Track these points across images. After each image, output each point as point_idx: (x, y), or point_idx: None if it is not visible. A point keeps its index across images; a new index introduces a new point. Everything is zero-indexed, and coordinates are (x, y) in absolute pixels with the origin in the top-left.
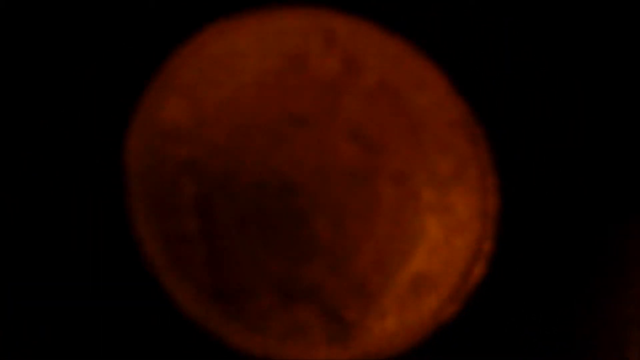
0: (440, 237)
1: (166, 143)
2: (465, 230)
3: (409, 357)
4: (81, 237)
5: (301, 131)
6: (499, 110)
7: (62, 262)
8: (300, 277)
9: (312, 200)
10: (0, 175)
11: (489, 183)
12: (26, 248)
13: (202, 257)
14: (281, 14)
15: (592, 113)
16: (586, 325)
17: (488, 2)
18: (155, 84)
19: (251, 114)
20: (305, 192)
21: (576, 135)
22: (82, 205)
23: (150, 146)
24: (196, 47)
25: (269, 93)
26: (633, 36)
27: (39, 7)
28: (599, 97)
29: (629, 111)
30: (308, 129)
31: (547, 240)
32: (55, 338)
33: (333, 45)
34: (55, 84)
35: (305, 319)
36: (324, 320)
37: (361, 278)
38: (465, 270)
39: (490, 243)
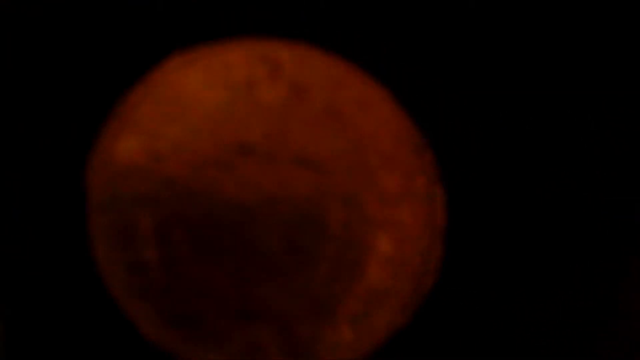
0: (390, 252)
1: (123, 179)
2: (414, 244)
3: None
4: (46, 267)
5: (250, 159)
6: (441, 122)
7: (31, 291)
8: (254, 298)
9: (263, 224)
10: None
11: (436, 195)
12: None
13: (161, 284)
14: (227, 48)
15: (540, 123)
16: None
17: (422, 22)
18: (111, 123)
19: (203, 147)
20: (257, 217)
21: (522, 145)
22: (46, 237)
23: (109, 181)
24: (149, 85)
25: (219, 125)
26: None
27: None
28: (546, 107)
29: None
30: (257, 157)
31: (494, 248)
32: None
33: (278, 73)
34: (15, 120)
35: (261, 337)
36: (279, 337)
37: (314, 295)
38: (415, 282)
39: (438, 254)
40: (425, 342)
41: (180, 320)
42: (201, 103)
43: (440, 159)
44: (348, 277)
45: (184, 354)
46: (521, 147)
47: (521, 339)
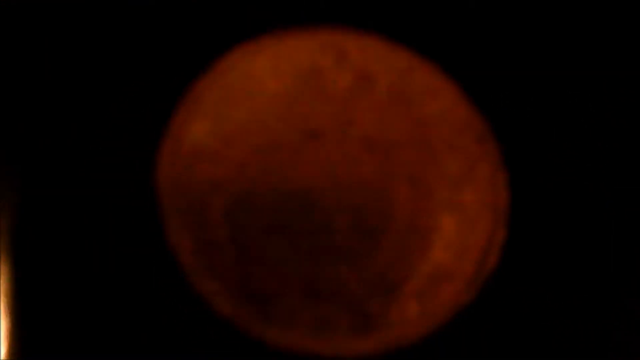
0: (454, 232)
1: (194, 162)
2: (477, 225)
3: (429, 342)
4: (119, 248)
5: (317, 144)
6: (505, 110)
7: (103, 272)
8: (324, 276)
9: (331, 206)
10: (37, 202)
11: (498, 179)
12: (64, 263)
13: (232, 261)
14: (293, 36)
15: (597, 108)
16: (594, 316)
17: (486, 13)
18: (181, 109)
19: (269, 132)
20: (325, 199)
21: (582, 129)
22: (118, 221)
23: (180, 165)
24: (217, 73)
25: (285, 111)
26: (634, 35)
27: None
28: (605, 93)
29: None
30: (324, 142)
31: (556, 230)
32: (94, 345)
33: (344, 61)
34: (88, 107)
35: (330, 314)
36: (348, 314)
37: (382, 273)
38: (479, 261)
39: (502, 235)
40: (488, 320)
41: (251, 296)
42: (267, 89)
43: (504, 146)
44: (414, 255)
45: (255, 330)
46: (586, 136)
47: (587, 324)
